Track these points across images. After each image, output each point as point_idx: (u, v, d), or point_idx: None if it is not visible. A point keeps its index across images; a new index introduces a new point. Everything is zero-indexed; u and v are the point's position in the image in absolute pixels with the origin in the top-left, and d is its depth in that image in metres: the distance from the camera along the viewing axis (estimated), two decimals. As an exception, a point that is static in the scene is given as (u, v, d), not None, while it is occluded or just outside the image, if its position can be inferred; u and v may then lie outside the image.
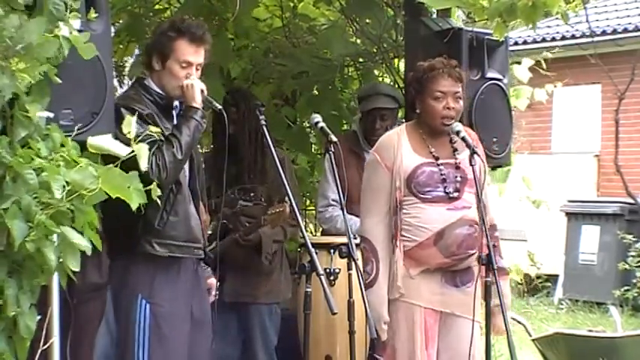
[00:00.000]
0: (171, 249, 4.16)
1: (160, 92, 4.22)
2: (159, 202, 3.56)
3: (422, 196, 4.31)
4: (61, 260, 3.24)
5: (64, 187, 3.16)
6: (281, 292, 5.22)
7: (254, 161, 5.21)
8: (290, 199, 4.29)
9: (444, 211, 4.30)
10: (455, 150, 4.42)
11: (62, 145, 3.31)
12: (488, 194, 4.59)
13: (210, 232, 5.27)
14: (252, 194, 5.25)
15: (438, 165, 4.36)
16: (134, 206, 3.30)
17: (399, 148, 4.37)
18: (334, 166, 4.43)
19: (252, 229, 5.13)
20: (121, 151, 3.28)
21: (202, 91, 4.16)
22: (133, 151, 3.31)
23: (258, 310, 5.21)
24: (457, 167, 4.37)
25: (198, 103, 4.14)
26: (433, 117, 4.38)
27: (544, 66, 7.54)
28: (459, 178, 4.34)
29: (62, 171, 3.19)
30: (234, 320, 5.24)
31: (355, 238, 4.42)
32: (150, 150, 3.79)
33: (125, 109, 4.01)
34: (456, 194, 4.32)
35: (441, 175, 4.33)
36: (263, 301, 5.20)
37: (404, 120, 5.75)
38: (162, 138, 4.00)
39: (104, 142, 3.32)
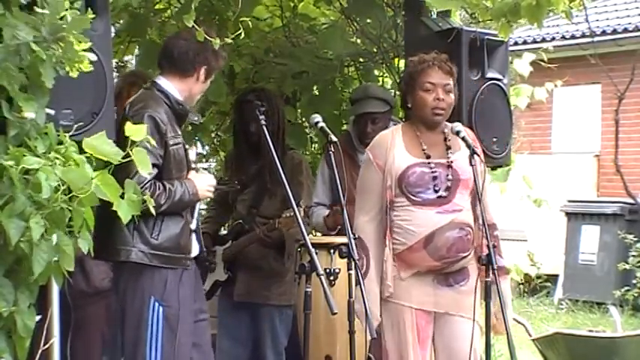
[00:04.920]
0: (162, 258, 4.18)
1: (179, 99, 4.26)
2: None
3: (412, 197, 4.30)
4: (56, 260, 3.24)
5: (57, 187, 3.15)
6: (293, 294, 5.18)
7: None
8: (290, 200, 4.29)
9: (433, 214, 4.29)
10: (448, 148, 4.40)
11: (60, 143, 3.30)
12: (488, 193, 4.57)
13: (225, 231, 5.28)
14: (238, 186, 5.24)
15: (430, 164, 4.34)
16: (124, 217, 3.31)
17: (392, 147, 4.37)
18: (333, 166, 4.43)
19: (272, 228, 5.09)
20: (116, 155, 3.27)
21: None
22: (128, 156, 3.28)
23: (269, 311, 5.20)
24: (449, 166, 4.35)
25: (202, 197, 4.33)
26: (423, 108, 4.37)
27: (545, 59, 7.53)
28: (450, 177, 4.33)
29: (58, 170, 3.18)
30: (245, 320, 5.24)
31: (355, 238, 4.43)
32: (149, 177, 3.98)
33: (148, 116, 4.09)
34: (445, 194, 4.30)
35: (432, 174, 4.32)
36: (275, 302, 5.19)
37: (403, 120, 5.76)
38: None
39: (99, 143, 3.30)
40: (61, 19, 3.23)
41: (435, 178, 4.31)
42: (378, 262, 4.34)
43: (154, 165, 4.04)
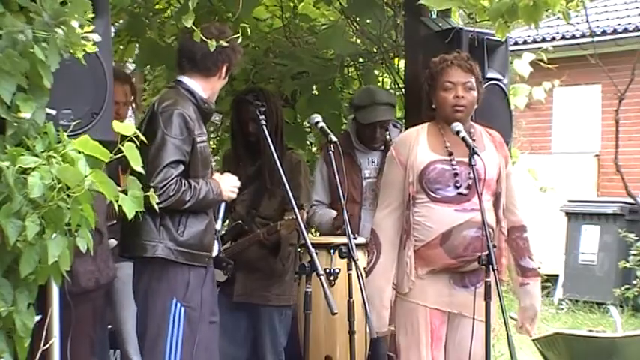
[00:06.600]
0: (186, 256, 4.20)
1: (205, 97, 4.29)
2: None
3: (432, 194, 4.30)
4: (55, 260, 3.23)
5: (53, 186, 3.15)
6: (292, 295, 5.17)
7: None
8: (290, 200, 4.29)
9: (452, 212, 4.29)
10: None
11: (59, 142, 3.30)
12: (518, 195, 4.59)
13: (223, 232, 5.29)
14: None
15: (452, 162, 4.35)
16: (129, 213, 3.31)
17: (415, 144, 4.39)
18: (333, 166, 4.43)
19: (273, 230, 5.08)
20: (105, 154, 3.27)
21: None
22: (122, 153, 3.28)
23: (268, 312, 5.19)
24: (471, 165, 4.33)
25: (226, 198, 4.35)
26: (444, 107, 4.38)
27: (545, 59, 7.53)
28: (471, 176, 4.32)
29: (54, 169, 3.17)
30: (244, 320, 5.23)
31: (355, 238, 4.43)
32: (175, 173, 4.03)
33: (178, 113, 4.14)
34: (466, 192, 4.30)
35: (453, 171, 4.32)
36: (274, 303, 5.18)
37: (403, 120, 5.76)
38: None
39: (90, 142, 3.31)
40: (62, 3, 3.23)
41: (455, 175, 4.32)
42: (390, 257, 4.35)
43: (180, 162, 4.11)
